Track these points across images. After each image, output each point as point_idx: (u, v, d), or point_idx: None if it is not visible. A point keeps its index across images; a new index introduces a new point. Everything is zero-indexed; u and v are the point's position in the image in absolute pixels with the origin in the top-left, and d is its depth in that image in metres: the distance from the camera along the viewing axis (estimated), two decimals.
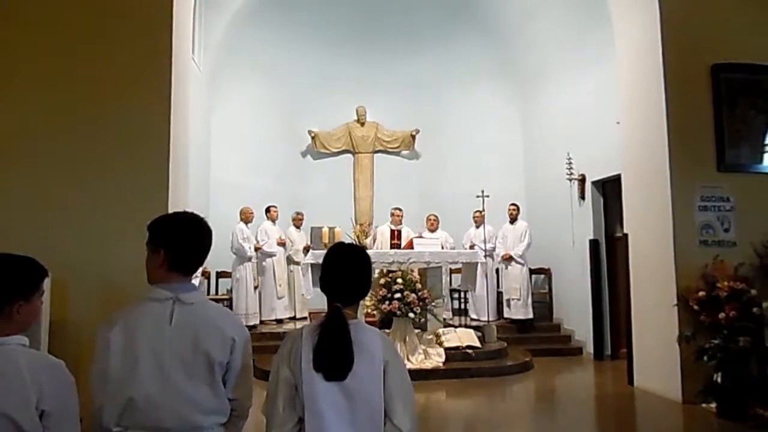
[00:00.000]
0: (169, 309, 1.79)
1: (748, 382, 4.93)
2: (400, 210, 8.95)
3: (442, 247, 8.25)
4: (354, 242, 8.92)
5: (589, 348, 7.97)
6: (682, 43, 5.70)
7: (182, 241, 1.85)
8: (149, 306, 1.81)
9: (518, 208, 8.94)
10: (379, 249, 8.24)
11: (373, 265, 6.88)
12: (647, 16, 5.87)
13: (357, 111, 10.80)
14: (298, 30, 9.94)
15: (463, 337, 7.15)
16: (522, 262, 8.63)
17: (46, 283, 1.87)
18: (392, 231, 8.83)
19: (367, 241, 8.61)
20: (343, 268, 1.91)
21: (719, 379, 5.01)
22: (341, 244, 2.07)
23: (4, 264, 1.76)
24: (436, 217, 9.15)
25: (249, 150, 9.75)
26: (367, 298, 6.67)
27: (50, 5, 4.75)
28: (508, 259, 8.69)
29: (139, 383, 1.71)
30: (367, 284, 1.95)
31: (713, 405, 5.09)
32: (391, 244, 8.55)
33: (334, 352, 1.76)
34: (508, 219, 8.89)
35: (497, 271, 9.18)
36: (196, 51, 7.92)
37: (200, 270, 2.04)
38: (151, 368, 1.72)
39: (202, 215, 1.98)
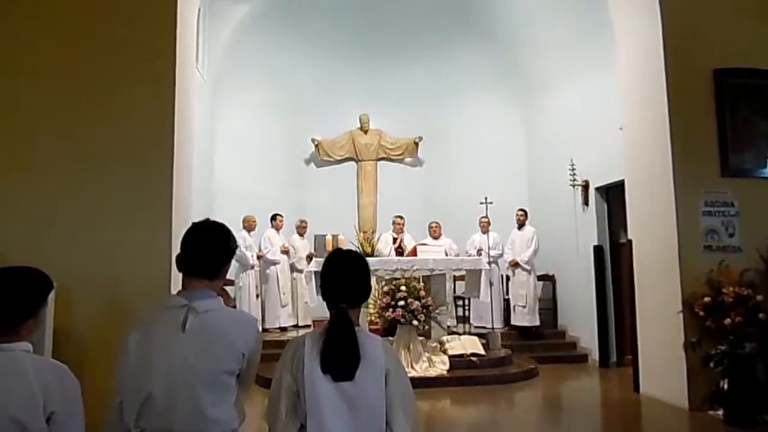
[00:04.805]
0: (183, 316, 1.79)
1: (756, 389, 4.89)
2: (401, 218, 8.92)
3: (446, 254, 8.23)
4: (357, 249, 8.93)
5: (595, 355, 7.93)
6: (683, 48, 5.70)
7: (190, 246, 1.90)
8: (165, 312, 1.83)
9: (526, 214, 8.91)
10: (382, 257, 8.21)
11: (377, 273, 6.82)
12: (649, 21, 5.88)
13: (360, 119, 10.84)
14: (301, 39, 10.01)
15: (468, 345, 7.12)
16: (528, 268, 8.60)
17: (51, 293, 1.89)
18: (394, 239, 8.81)
19: (379, 247, 8.58)
20: (345, 272, 1.93)
21: (726, 386, 4.97)
22: (339, 250, 2.10)
23: (13, 282, 1.78)
24: (438, 224, 9.14)
25: (252, 158, 9.78)
26: (370, 305, 6.69)
27: (54, 13, 4.79)
28: (514, 266, 8.66)
29: (151, 389, 1.72)
30: (367, 287, 1.97)
31: (720, 412, 5.05)
32: (395, 251, 8.52)
33: (342, 350, 1.76)
34: (516, 225, 8.88)
35: (503, 277, 9.16)
36: (200, 59, 7.97)
37: None
38: (163, 374, 1.73)
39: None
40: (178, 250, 1.91)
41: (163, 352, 1.75)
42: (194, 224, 1.97)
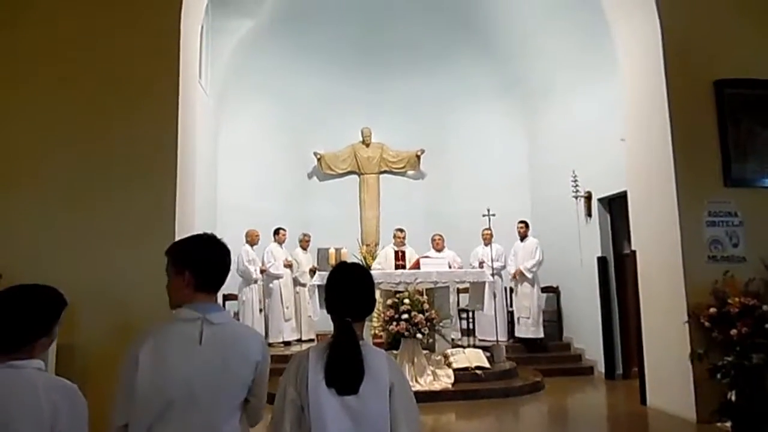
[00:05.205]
0: (198, 329, 1.80)
1: (764, 400, 4.83)
2: (402, 231, 8.83)
3: (450, 267, 8.20)
4: (360, 263, 8.91)
5: (600, 367, 7.87)
6: (684, 59, 5.73)
7: (206, 260, 1.89)
8: (178, 326, 1.82)
9: (527, 225, 8.87)
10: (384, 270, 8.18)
11: (380, 286, 6.78)
12: (649, 33, 5.91)
13: (362, 132, 10.88)
14: (304, 53, 10.09)
15: (472, 358, 7.07)
16: (530, 276, 8.51)
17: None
18: (396, 252, 8.77)
19: (373, 264, 8.56)
20: (350, 284, 1.94)
21: (734, 397, 4.92)
22: (344, 263, 2.10)
23: (27, 300, 1.80)
24: (441, 236, 9.11)
25: (255, 172, 9.82)
26: (374, 319, 6.65)
27: (56, 25, 4.86)
28: (518, 275, 8.61)
29: (168, 402, 1.71)
30: (372, 300, 1.97)
31: (728, 424, 4.99)
32: (395, 265, 8.47)
33: (347, 364, 1.77)
34: (518, 237, 8.85)
35: (506, 290, 9.12)
36: (203, 75, 8.04)
37: None
38: (181, 388, 1.72)
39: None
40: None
41: (181, 363, 1.74)
42: (199, 238, 1.96)
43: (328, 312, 1.93)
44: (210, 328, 1.81)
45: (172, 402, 1.71)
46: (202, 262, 1.87)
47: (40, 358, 1.79)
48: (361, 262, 9.15)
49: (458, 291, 8.86)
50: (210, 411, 1.74)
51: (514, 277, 8.70)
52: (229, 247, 2.00)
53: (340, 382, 1.75)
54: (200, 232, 2.02)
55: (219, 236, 1.98)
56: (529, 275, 8.53)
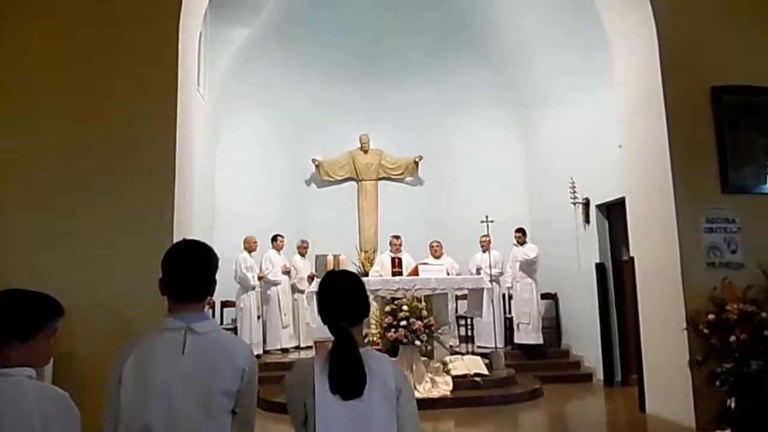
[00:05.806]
0: (182, 339, 1.77)
1: (764, 407, 4.82)
2: (398, 238, 8.80)
3: (448, 273, 8.18)
4: (359, 269, 8.90)
5: (599, 374, 7.84)
6: (681, 66, 5.75)
7: (171, 271, 1.85)
8: (162, 336, 1.80)
9: (524, 233, 8.78)
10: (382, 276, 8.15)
11: (378, 293, 6.77)
12: (645, 40, 5.93)
13: (360, 139, 10.90)
14: (302, 60, 10.12)
15: (471, 365, 7.05)
16: (522, 259, 8.47)
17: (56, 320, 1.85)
18: (392, 259, 8.74)
19: (371, 271, 8.55)
20: (339, 291, 1.94)
21: (733, 404, 4.90)
22: (331, 271, 2.10)
23: (7, 301, 1.73)
24: (439, 243, 9.09)
25: (253, 179, 9.82)
26: (372, 326, 6.63)
27: (57, 35, 4.85)
28: (516, 265, 8.58)
29: (152, 415, 1.69)
30: (365, 303, 1.97)
31: (728, 431, 4.98)
32: (392, 272, 8.43)
33: (347, 367, 1.77)
34: (517, 245, 8.79)
35: (504, 296, 9.10)
36: (201, 82, 8.05)
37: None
38: (163, 399, 1.70)
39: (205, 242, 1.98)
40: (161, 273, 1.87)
41: (163, 377, 1.72)
42: (179, 248, 1.93)
43: (324, 322, 1.93)
44: (194, 337, 1.78)
45: (155, 416, 1.68)
46: (166, 273, 1.85)
47: (32, 368, 1.75)
48: (359, 269, 9.14)
49: (456, 298, 8.85)
50: (195, 422, 1.71)
51: (519, 263, 8.59)
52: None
53: (344, 386, 1.75)
54: (203, 239, 2.00)
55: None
56: (522, 257, 8.45)
